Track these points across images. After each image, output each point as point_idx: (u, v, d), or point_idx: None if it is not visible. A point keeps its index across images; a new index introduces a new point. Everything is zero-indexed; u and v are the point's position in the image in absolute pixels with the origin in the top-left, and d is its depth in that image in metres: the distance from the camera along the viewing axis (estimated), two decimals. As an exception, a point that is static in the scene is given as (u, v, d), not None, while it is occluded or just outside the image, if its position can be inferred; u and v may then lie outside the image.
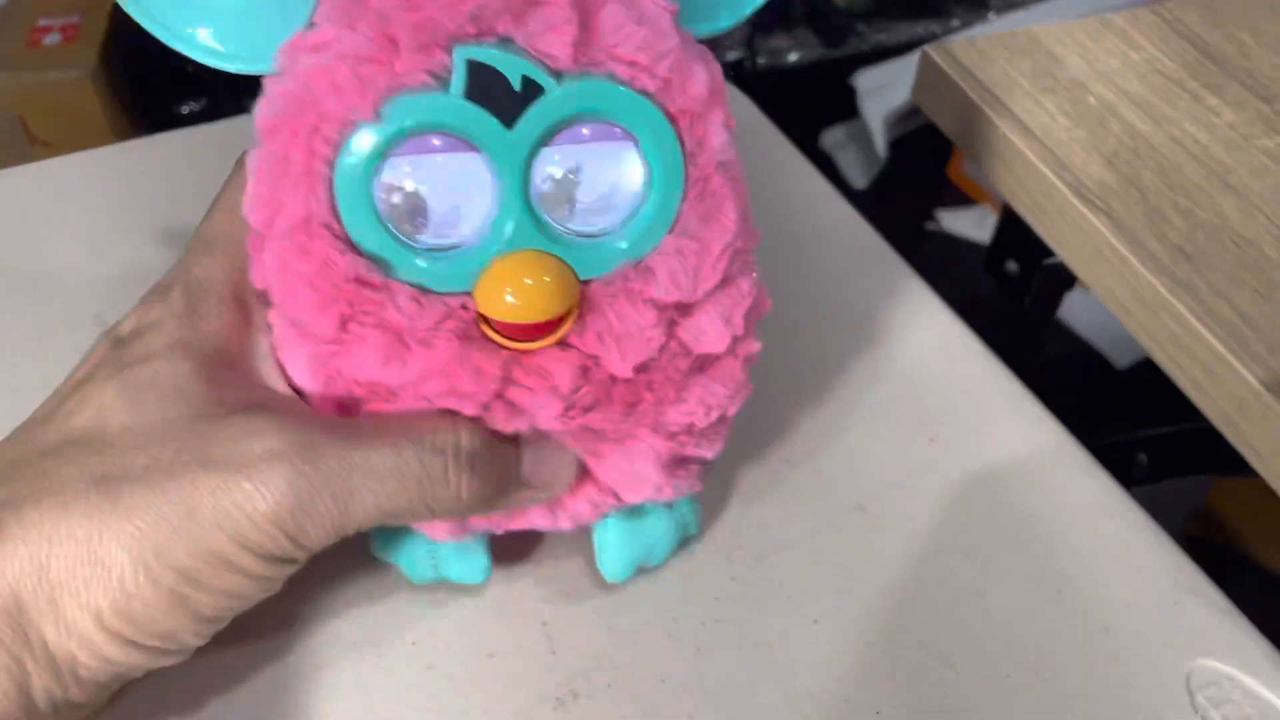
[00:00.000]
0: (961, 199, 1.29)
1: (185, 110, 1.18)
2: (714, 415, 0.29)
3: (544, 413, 0.26)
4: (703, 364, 0.28)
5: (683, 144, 0.26)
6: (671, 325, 0.27)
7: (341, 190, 0.24)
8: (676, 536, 0.32)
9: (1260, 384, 0.37)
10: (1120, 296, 0.42)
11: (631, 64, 0.25)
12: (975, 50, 0.50)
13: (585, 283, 0.26)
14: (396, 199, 0.25)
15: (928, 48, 0.51)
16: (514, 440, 0.28)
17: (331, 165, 0.24)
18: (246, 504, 0.24)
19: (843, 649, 0.31)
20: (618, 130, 0.25)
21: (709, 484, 0.35)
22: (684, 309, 0.27)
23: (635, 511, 0.31)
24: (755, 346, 0.29)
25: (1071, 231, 0.44)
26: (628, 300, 0.26)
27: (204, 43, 0.26)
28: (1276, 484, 0.37)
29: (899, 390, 0.38)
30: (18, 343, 0.38)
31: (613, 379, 0.27)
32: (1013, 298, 0.57)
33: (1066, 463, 0.36)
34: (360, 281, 0.25)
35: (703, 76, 0.25)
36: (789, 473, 0.35)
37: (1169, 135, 0.46)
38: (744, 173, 0.28)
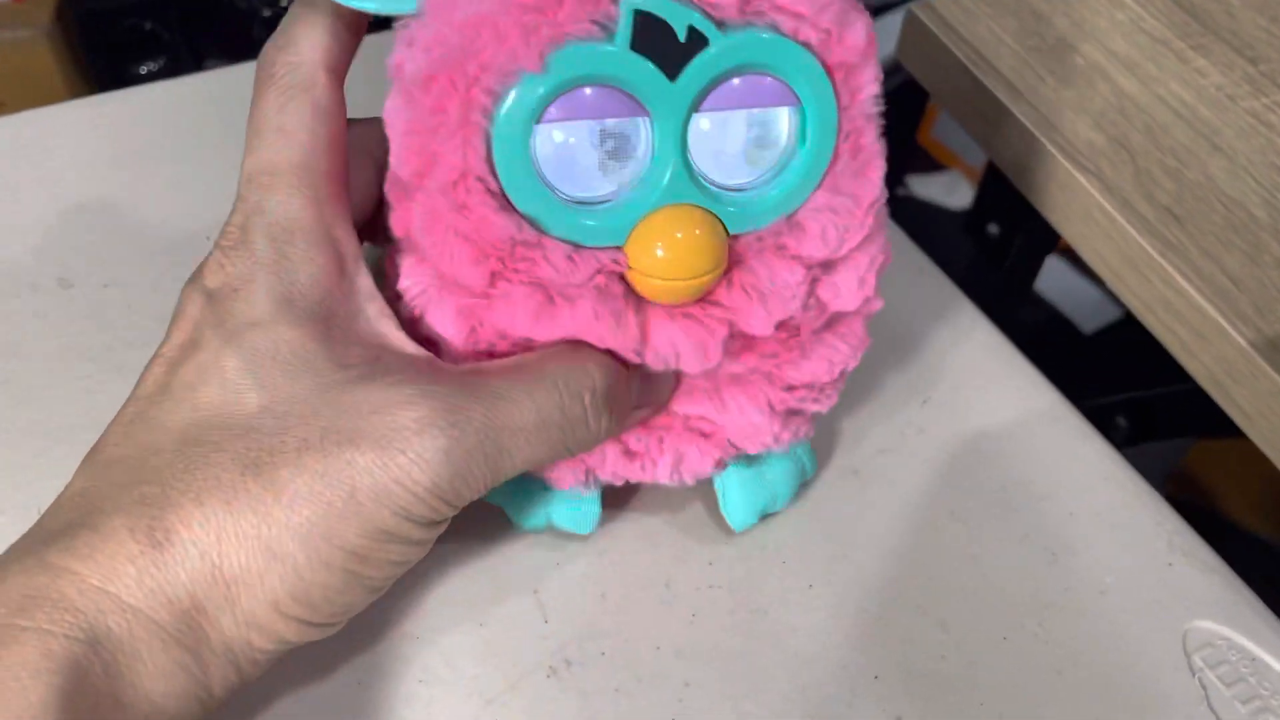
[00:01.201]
0: (931, 165, 1.28)
1: (143, 70, 1.14)
2: (836, 372, 0.29)
3: (689, 366, 0.26)
4: (830, 321, 0.28)
5: (838, 98, 0.25)
6: (814, 283, 0.27)
7: (499, 144, 0.24)
8: (797, 480, 0.32)
9: (1249, 345, 0.36)
10: (1109, 259, 0.42)
11: (796, 15, 0.24)
12: (960, 8, 0.49)
13: (734, 238, 0.26)
14: (555, 153, 0.24)
15: (913, 6, 0.50)
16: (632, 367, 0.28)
17: (490, 118, 0.24)
18: (406, 478, 0.24)
19: (839, 614, 0.31)
20: (774, 82, 0.25)
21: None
22: (827, 266, 0.27)
23: (755, 459, 0.31)
24: (878, 304, 0.29)
25: (1060, 193, 0.43)
26: (776, 256, 0.26)
27: None
28: (1264, 445, 0.37)
29: (891, 353, 0.37)
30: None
31: (748, 338, 0.27)
32: (992, 261, 0.56)
33: (1060, 426, 0.35)
34: (515, 239, 0.25)
35: (861, 27, 0.25)
36: (781, 437, 0.35)
37: (1156, 96, 0.45)
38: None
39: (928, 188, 1.25)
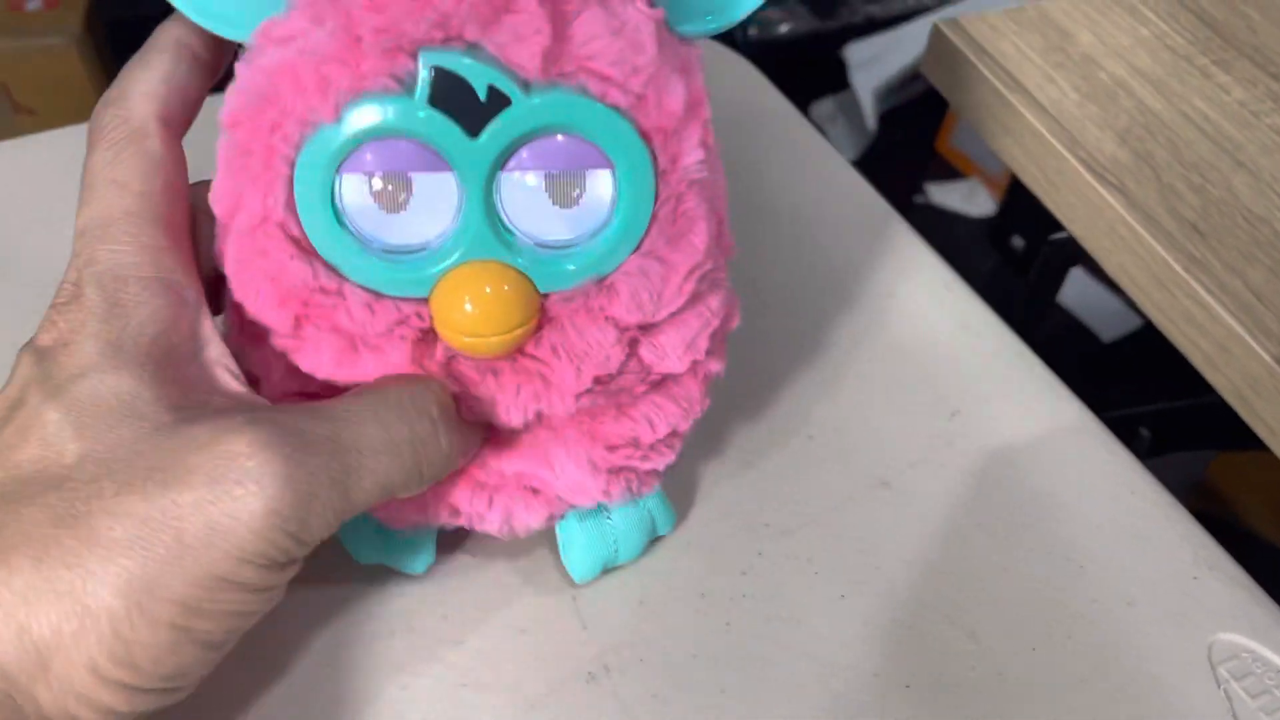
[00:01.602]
0: (950, 172, 1.29)
1: (171, 79, 1.16)
2: (661, 432, 0.29)
3: (502, 418, 0.27)
4: (660, 382, 0.28)
5: (655, 162, 0.25)
6: (634, 344, 0.27)
7: (300, 191, 0.24)
8: (644, 535, 0.32)
9: (1273, 360, 0.37)
10: (1134, 273, 0.42)
11: (604, 78, 0.24)
12: (986, 25, 0.50)
13: (546, 296, 0.26)
14: (355, 202, 0.24)
15: (939, 22, 0.50)
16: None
17: (291, 164, 0.24)
18: (242, 511, 0.21)
19: (870, 623, 0.31)
20: (587, 144, 0.24)
21: (731, 459, 0.35)
22: (647, 329, 0.27)
23: (596, 511, 0.31)
24: (716, 367, 0.29)
25: (1085, 208, 0.44)
26: (588, 316, 0.26)
27: (210, 9, 0.25)
28: (1288, 459, 0.37)
29: (918, 366, 0.38)
30: (26, 318, 0.37)
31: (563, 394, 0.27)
32: (1015, 272, 0.57)
33: (1085, 439, 0.36)
34: (314, 285, 0.25)
35: (679, 92, 0.25)
36: (811, 449, 0.36)
37: (1180, 112, 0.46)
38: (724, 186, 0.27)
39: (947, 195, 1.26)
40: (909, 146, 1.32)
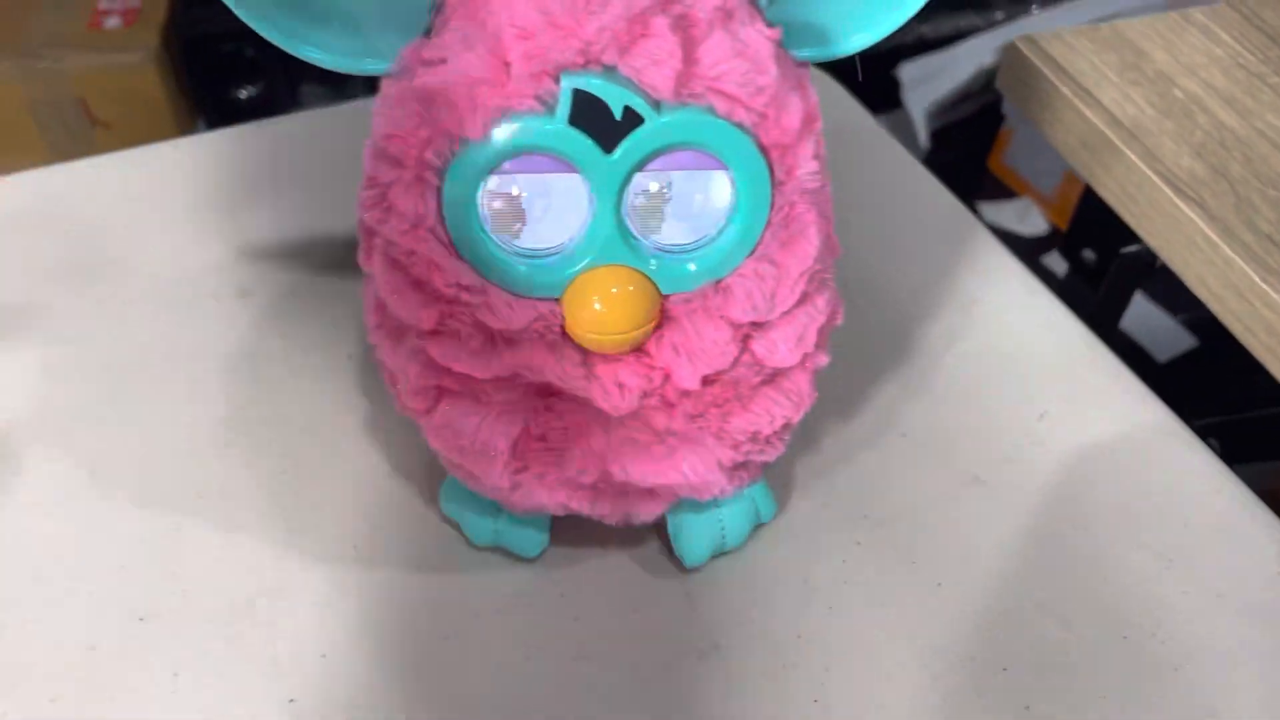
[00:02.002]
0: (1002, 191, 1.30)
1: (242, 95, 1.19)
2: (778, 425, 0.30)
3: (615, 410, 0.28)
4: (772, 376, 0.30)
5: (772, 174, 0.27)
6: (746, 340, 0.29)
7: (449, 200, 0.26)
8: (750, 522, 0.34)
9: (1354, 368, 0.38)
10: (1212, 285, 0.43)
11: (730, 97, 0.25)
12: (1062, 42, 0.51)
13: (667, 297, 0.28)
14: (498, 211, 0.26)
15: (1015, 39, 0.52)
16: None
17: (441, 176, 0.26)
18: None
19: (966, 610, 0.33)
20: (710, 157, 0.26)
21: (826, 454, 0.37)
22: (760, 326, 0.29)
23: (706, 500, 0.32)
24: (823, 360, 0.31)
25: (1163, 221, 0.45)
26: (705, 316, 0.28)
27: (322, 45, 0.27)
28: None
29: (1005, 369, 0.39)
30: (169, 314, 0.40)
31: (683, 391, 0.29)
32: (1086, 284, 0.58)
33: (1172, 441, 0.37)
34: (460, 285, 0.27)
35: (797, 109, 0.26)
36: (904, 446, 0.37)
37: (1254, 128, 0.47)
38: (830, 195, 0.29)
39: (999, 214, 1.26)
40: (961, 165, 1.32)
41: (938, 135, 1.25)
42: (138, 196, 0.44)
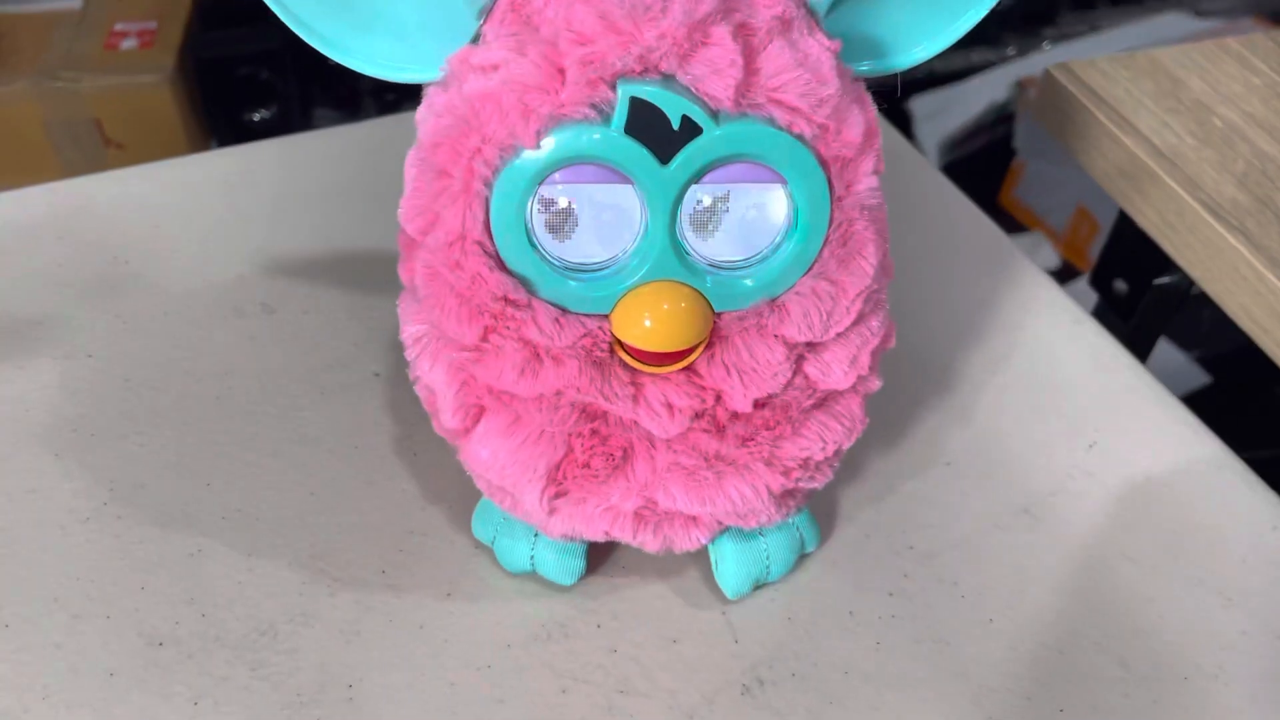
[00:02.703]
0: (1014, 226, 1.29)
1: (256, 117, 1.19)
2: (830, 450, 0.29)
3: (662, 432, 0.27)
4: (824, 400, 0.29)
5: (832, 189, 0.26)
6: (800, 361, 0.27)
7: (497, 210, 0.25)
8: (794, 552, 0.33)
9: None
10: (1257, 315, 0.42)
11: (791, 109, 0.24)
12: (1098, 71, 0.51)
13: (719, 315, 0.27)
14: (548, 222, 0.25)
15: (1051, 68, 0.51)
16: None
17: (490, 185, 0.25)
18: None
19: (1019, 648, 0.31)
20: (769, 170, 0.25)
21: (871, 483, 0.36)
22: (813, 346, 0.27)
23: (750, 528, 0.31)
24: (876, 384, 0.30)
25: (1205, 249, 0.44)
26: (759, 335, 0.27)
27: (367, 54, 0.26)
28: None
29: (1050, 398, 0.38)
30: (191, 329, 0.39)
31: (733, 413, 0.27)
32: (1119, 316, 0.57)
33: (1225, 473, 0.36)
34: (506, 299, 0.26)
35: (859, 122, 0.25)
36: (950, 475, 0.36)
37: (1297, 158, 0.46)
38: (886, 214, 0.28)
39: (1012, 248, 1.26)
40: (973, 199, 1.32)
41: (949, 169, 1.25)
42: (160, 210, 0.43)
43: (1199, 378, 1.11)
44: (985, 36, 1.31)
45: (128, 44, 1.17)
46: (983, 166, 1.28)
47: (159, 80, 1.12)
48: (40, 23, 1.16)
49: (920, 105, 1.27)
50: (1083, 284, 0.94)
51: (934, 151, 1.25)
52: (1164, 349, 1.12)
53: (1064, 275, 1.21)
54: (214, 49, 1.16)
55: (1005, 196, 1.31)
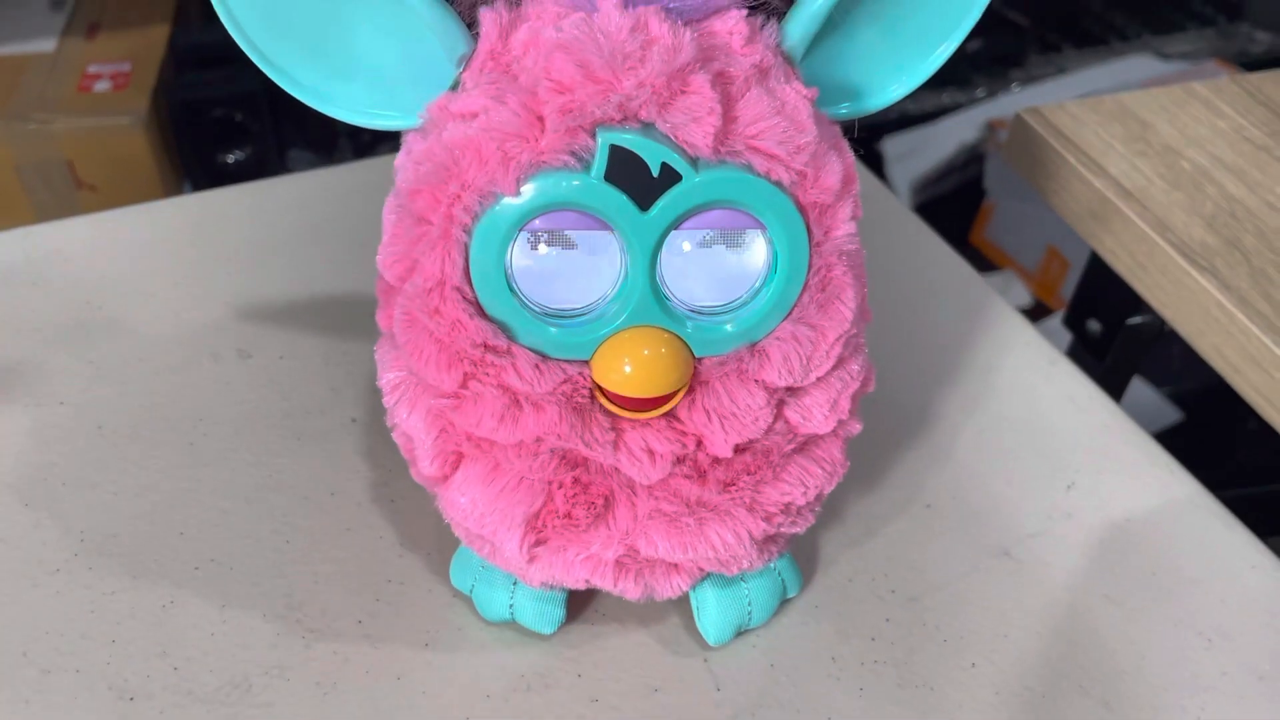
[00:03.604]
0: (985, 265, 1.31)
1: (230, 159, 1.19)
2: (811, 495, 0.29)
3: (643, 478, 0.27)
4: (805, 444, 0.29)
5: (810, 234, 0.26)
6: (780, 406, 0.28)
7: (476, 257, 0.25)
8: (776, 597, 0.32)
9: (1380, 441, 0.37)
10: (1229, 355, 0.43)
11: (769, 156, 0.25)
12: (1067, 114, 0.52)
13: (699, 360, 0.27)
14: (527, 269, 0.25)
15: (1021, 111, 0.52)
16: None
17: (469, 232, 0.25)
18: None
19: (1004, 692, 0.31)
20: (748, 217, 0.25)
21: (852, 526, 0.36)
22: (794, 391, 0.28)
23: (732, 575, 0.31)
24: (856, 428, 0.30)
25: (1176, 290, 0.45)
26: (739, 380, 0.27)
27: (345, 101, 0.26)
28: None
29: (1029, 439, 0.39)
30: (166, 375, 0.38)
31: (714, 459, 0.27)
32: (1093, 356, 0.58)
33: (1203, 514, 0.36)
34: (486, 346, 0.26)
35: (836, 168, 0.26)
36: (930, 518, 0.36)
37: (1264, 200, 0.47)
38: (864, 258, 0.28)
39: (984, 287, 1.27)
40: (944, 238, 1.34)
41: (921, 209, 1.27)
42: (135, 255, 0.43)
43: (1171, 415, 1.12)
44: (955, 78, 1.33)
45: (101, 86, 1.17)
46: (954, 206, 1.30)
47: (132, 122, 1.12)
48: (12, 64, 1.16)
49: (891, 146, 1.28)
50: (1056, 323, 0.96)
51: (906, 192, 1.26)
52: (1136, 386, 1.13)
53: (1035, 314, 1.22)
54: (188, 91, 1.15)
55: (976, 236, 1.32)
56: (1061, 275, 1.21)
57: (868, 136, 1.29)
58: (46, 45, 1.16)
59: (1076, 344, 0.59)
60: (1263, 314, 0.42)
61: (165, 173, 1.14)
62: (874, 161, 1.27)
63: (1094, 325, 0.57)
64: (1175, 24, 1.38)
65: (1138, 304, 0.50)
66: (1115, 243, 0.47)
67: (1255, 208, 0.47)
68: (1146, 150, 0.50)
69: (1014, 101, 1.25)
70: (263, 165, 1.14)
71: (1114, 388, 0.58)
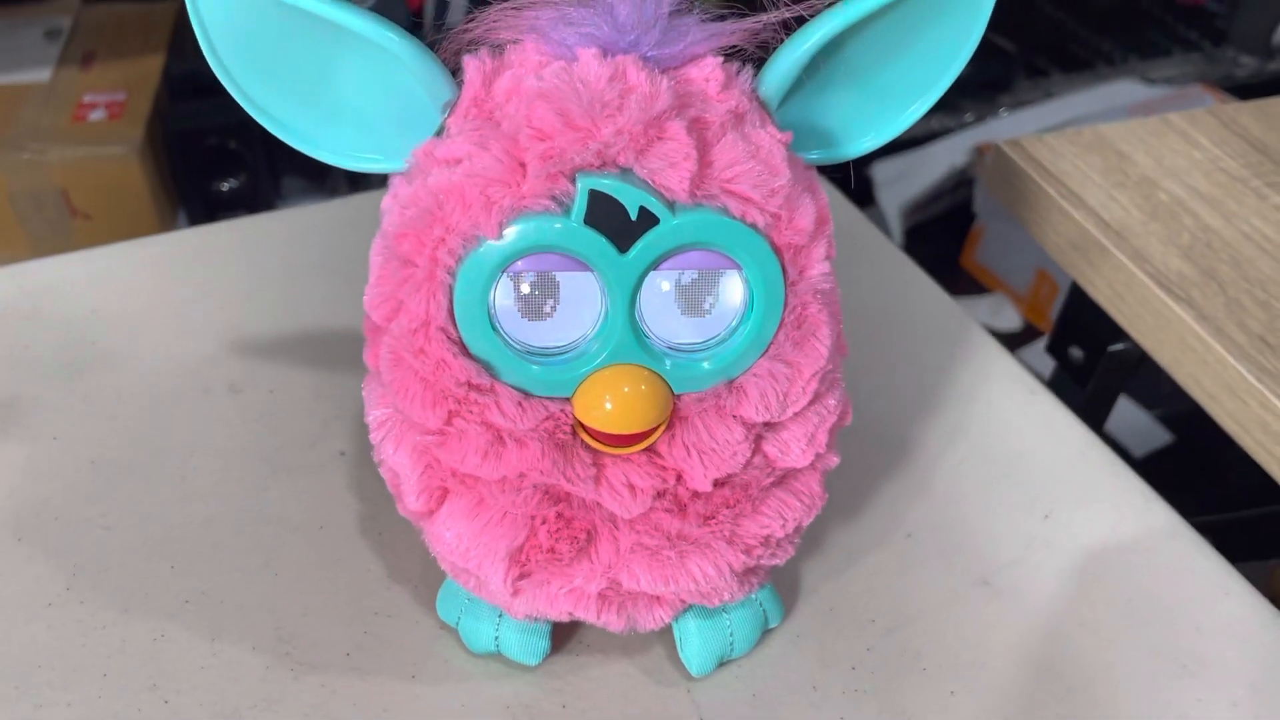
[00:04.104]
0: (975, 287, 1.32)
1: (225, 187, 1.20)
2: (790, 527, 0.30)
3: (624, 512, 0.28)
4: (783, 478, 0.29)
5: (785, 274, 0.27)
6: (758, 441, 0.28)
7: (460, 298, 0.26)
8: (758, 628, 0.33)
9: (1353, 468, 0.38)
10: (1206, 384, 0.44)
11: (744, 199, 0.25)
12: (1046, 146, 0.52)
13: (679, 396, 0.27)
14: (510, 309, 0.26)
15: (1000, 143, 0.53)
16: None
17: (453, 274, 0.26)
18: None
19: (981, 720, 0.32)
20: (724, 257, 0.26)
21: (833, 556, 0.36)
22: (771, 426, 0.28)
23: (713, 606, 0.32)
24: (834, 461, 0.30)
25: (1154, 321, 0.45)
26: (718, 416, 0.27)
27: (333, 145, 0.27)
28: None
29: (1007, 468, 0.39)
30: (157, 409, 0.39)
31: (694, 493, 0.28)
32: (1075, 382, 0.58)
33: (1178, 541, 0.37)
34: (470, 384, 0.26)
35: (810, 210, 0.27)
36: (911, 547, 0.36)
37: (1239, 230, 0.48)
38: (839, 295, 0.29)
39: (973, 310, 1.28)
40: (935, 262, 1.34)
41: (911, 233, 1.28)
42: (128, 291, 0.43)
43: (1162, 436, 1.12)
44: (944, 104, 1.35)
45: (96, 115, 1.18)
46: (944, 230, 1.31)
47: (126, 151, 1.12)
48: (8, 94, 1.16)
49: (881, 171, 1.29)
50: (1041, 348, 0.97)
51: (895, 216, 1.27)
52: (1126, 408, 1.14)
53: (1026, 336, 1.23)
54: (183, 120, 1.16)
55: (967, 259, 1.33)
56: (1051, 298, 1.22)
57: (857, 162, 1.31)
58: (42, 75, 1.17)
59: (1060, 370, 0.59)
60: (1237, 343, 0.43)
61: (159, 201, 1.15)
62: (864, 186, 1.29)
63: (1076, 352, 0.58)
64: (1161, 49, 1.39)
65: (1119, 331, 0.51)
66: (1094, 273, 0.48)
67: (1231, 238, 0.48)
68: (1124, 181, 0.50)
69: (1002, 126, 1.27)
70: (256, 193, 1.15)
71: (1097, 413, 0.59)
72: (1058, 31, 1.43)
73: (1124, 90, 1.26)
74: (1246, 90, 1.33)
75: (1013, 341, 1.24)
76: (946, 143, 1.31)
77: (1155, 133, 0.54)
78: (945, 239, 1.33)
